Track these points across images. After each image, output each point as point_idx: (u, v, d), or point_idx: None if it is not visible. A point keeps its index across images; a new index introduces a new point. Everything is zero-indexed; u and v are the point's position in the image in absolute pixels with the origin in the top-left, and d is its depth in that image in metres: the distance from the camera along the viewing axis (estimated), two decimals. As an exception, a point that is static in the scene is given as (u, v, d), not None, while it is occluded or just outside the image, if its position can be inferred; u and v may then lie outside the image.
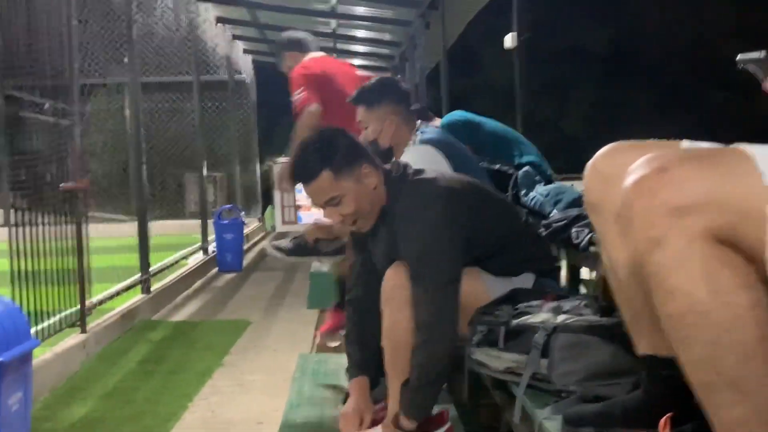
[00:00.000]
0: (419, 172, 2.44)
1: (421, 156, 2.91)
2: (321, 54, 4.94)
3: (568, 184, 3.57)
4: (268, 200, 15.29)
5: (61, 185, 4.81)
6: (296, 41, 4.92)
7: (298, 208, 15.57)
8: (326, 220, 3.25)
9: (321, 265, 7.23)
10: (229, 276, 8.88)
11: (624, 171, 1.33)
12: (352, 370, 2.64)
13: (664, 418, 1.30)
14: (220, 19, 11.18)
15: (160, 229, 8.52)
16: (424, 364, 2.15)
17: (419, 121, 3.19)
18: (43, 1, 4.71)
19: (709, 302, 1.08)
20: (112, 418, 3.80)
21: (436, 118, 4.06)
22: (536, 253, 2.42)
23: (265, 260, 10.45)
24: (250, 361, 4.87)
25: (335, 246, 3.58)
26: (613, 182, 1.33)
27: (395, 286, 2.24)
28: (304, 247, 3.55)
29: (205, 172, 10.51)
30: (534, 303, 1.86)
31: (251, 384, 4.37)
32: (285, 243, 3.78)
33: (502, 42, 5.49)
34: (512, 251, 2.39)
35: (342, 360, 3.99)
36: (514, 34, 5.14)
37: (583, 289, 2.89)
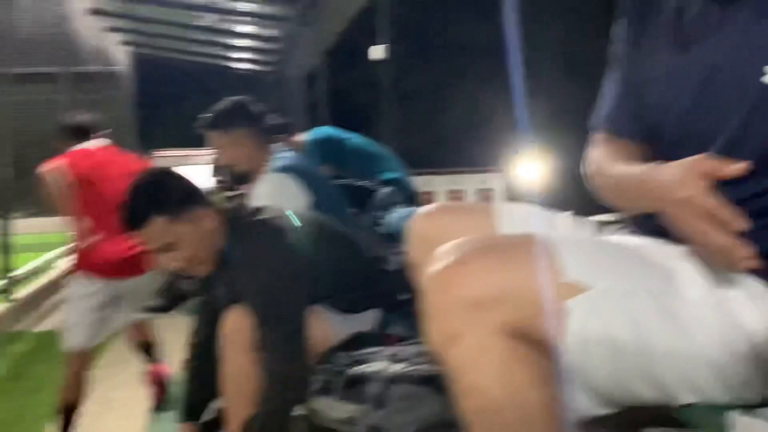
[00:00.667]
0: (260, 211, 2.37)
1: (275, 185, 2.87)
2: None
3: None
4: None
5: None
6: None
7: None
8: None
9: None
10: (100, 280, 8.57)
11: (443, 233, 1.35)
12: (182, 415, 2.54)
13: None
14: (94, 11, 10.80)
15: (27, 227, 8.14)
16: (272, 411, 2.09)
17: (277, 144, 3.14)
18: None
19: (503, 400, 1.08)
20: (-37, 443, 3.64)
21: (298, 135, 4.04)
22: (383, 288, 2.35)
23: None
24: (116, 376, 4.73)
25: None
26: (433, 244, 1.33)
27: (235, 331, 2.19)
28: (174, 295, 3.44)
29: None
30: (373, 350, 1.88)
31: (116, 402, 4.26)
32: (156, 303, 3.68)
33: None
34: (356, 288, 2.34)
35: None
36: (380, 44, 5.13)
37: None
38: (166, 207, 2.19)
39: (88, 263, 3.76)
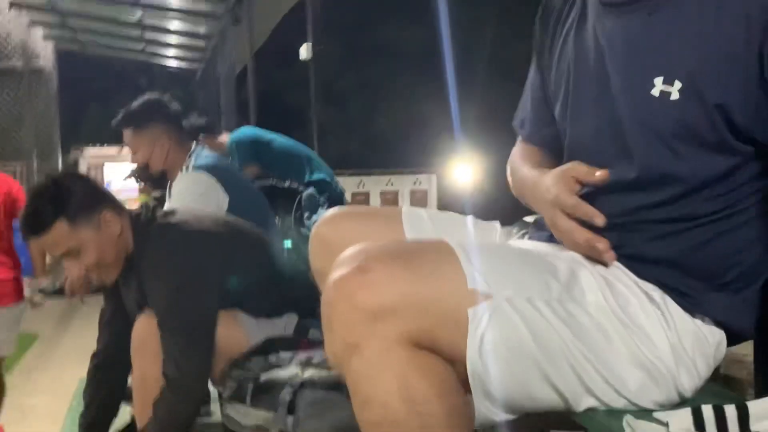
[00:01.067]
0: (169, 214, 2.31)
1: (193, 183, 2.80)
2: None
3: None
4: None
5: None
6: None
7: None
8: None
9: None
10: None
11: (346, 239, 1.32)
12: (82, 430, 2.43)
13: None
14: (13, 4, 10.49)
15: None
16: (164, 419, 2.04)
17: (194, 143, 3.06)
18: None
19: (403, 412, 1.04)
20: None
21: (224, 134, 3.97)
22: (299, 292, 2.25)
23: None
24: (33, 382, 4.61)
25: None
26: (336, 251, 1.30)
27: (146, 337, 2.12)
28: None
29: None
30: (285, 355, 1.85)
31: (32, 409, 4.13)
32: (48, 287, 3.55)
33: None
34: (272, 292, 2.28)
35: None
36: (309, 44, 5.10)
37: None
38: (69, 211, 2.11)
39: None
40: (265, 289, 2.27)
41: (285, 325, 2.23)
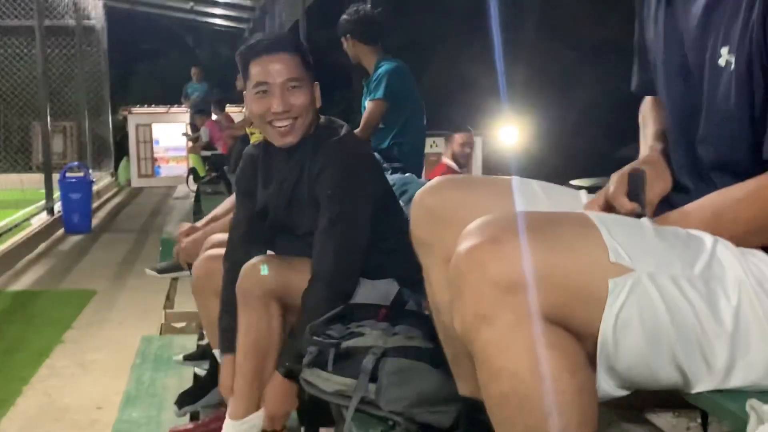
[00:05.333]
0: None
1: None
2: None
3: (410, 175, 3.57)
4: (122, 152, 14.71)
5: None
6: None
7: (155, 160, 15.10)
8: (188, 236, 3.10)
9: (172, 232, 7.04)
10: (76, 238, 8.43)
11: (452, 209, 1.30)
12: (226, 344, 2.40)
13: None
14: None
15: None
16: (315, 308, 2.06)
17: None
18: None
19: (533, 386, 1.04)
20: (-62, 405, 3.57)
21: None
22: (402, 258, 2.17)
23: (116, 221, 10.08)
24: (93, 338, 4.67)
25: None
26: (442, 221, 1.28)
27: (254, 283, 2.20)
28: (177, 266, 3.38)
29: (49, 122, 9.89)
30: (366, 322, 1.83)
31: (92, 364, 4.19)
32: (160, 265, 3.64)
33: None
34: (385, 250, 2.27)
35: (188, 343, 3.90)
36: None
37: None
38: (307, 56, 2.31)
39: None
40: (382, 242, 2.28)
41: (386, 290, 2.22)
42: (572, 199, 1.43)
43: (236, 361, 2.28)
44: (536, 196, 1.39)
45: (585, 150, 14.25)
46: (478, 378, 1.11)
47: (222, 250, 2.51)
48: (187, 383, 3.19)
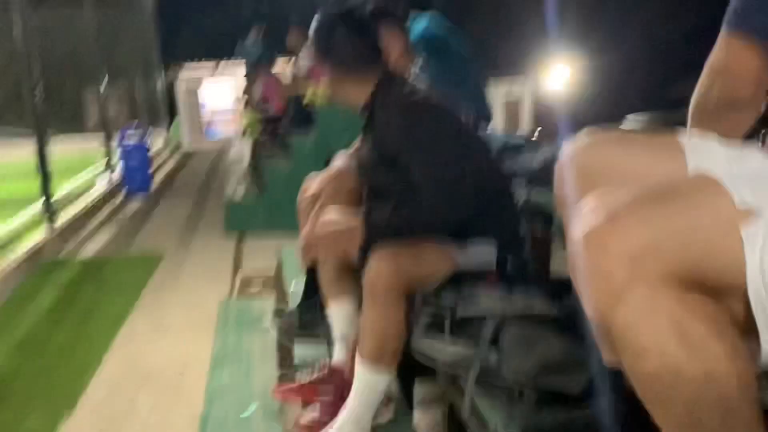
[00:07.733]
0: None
1: None
2: None
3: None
4: (174, 113, 14.72)
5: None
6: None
7: (206, 123, 15.04)
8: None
9: (234, 192, 7.02)
10: (137, 203, 8.50)
11: (607, 168, 1.22)
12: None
13: None
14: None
15: (57, 147, 8.01)
16: (408, 219, 2.04)
17: None
18: None
19: (683, 357, 0.97)
20: (25, 372, 3.62)
21: None
22: (502, 216, 2.16)
23: (173, 182, 10.13)
24: (166, 302, 4.69)
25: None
26: (595, 180, 1.20)
27: (379, 276, 2.05)
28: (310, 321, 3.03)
29: (103, 87, 9.89)
30: (477, 289, 1.76)
31: (169, 328, 4.21)
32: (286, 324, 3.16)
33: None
34: (483, 212, 2.13)
35: (266, 307, 3.90)
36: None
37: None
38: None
39: None
40: (481, 197, 2.16)
41: (485, 257, 2.12)
42: (751, 158, 1.27)
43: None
44: (714, 157, 1.26)
45: (637, 87, 13.93)
46: (622, 361, 1.04)
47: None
48: (271, 347, 3.17)
